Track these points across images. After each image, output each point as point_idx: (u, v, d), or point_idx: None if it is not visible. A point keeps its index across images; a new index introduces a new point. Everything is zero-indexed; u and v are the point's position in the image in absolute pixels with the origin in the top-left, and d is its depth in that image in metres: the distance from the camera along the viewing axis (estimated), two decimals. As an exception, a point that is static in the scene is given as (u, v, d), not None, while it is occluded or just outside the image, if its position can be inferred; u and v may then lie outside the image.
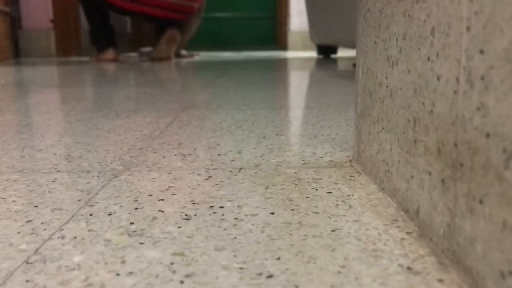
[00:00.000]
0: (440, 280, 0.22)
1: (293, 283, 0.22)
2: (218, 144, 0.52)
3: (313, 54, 2.87)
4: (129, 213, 0.31)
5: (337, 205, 0.32)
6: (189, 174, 0.40)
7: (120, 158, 0.46)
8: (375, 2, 0.35)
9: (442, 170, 0.24)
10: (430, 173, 0.26)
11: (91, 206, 0.33)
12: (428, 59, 0.26)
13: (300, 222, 0.29)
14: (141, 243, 0.27)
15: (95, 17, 2.37)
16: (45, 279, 0.23)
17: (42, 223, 0.30)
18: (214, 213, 0.31)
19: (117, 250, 0.26)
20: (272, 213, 0.31)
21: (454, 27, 0.23)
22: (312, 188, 0.36)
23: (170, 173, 0.41)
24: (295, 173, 0.40)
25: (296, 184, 0.37)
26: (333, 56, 2.56)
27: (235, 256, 0.25)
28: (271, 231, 0.28)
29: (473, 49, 0.21)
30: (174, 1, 2.37)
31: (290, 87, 1.12)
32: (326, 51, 2.51)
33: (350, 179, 0.38)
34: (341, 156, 0.45)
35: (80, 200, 0.34)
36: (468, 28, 0.21)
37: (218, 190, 0.36)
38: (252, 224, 0.29)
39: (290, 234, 0.28)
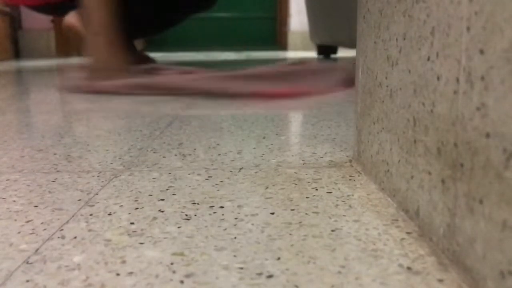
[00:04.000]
0: (440, 280, 0.22)
1: (293, 283, 0.22)
2: (218, 144, 0.52)
3: (313, 54, 2.87)
4: (129, 213, 0.31)
5: (337, 205, 0.32)
6: (189, 174, 0.40)
7: (120, 158, 0.46)
8: (375, 2, 0.35)
9: (442, 170, 0.24)
10: (430, 173, 0.26)
11: (91, 206, 0.33)
12: (428, 59, 0.26)
13: (300, 222, 0.29)
14: (141, 243, 0.27)
15: None
16: (45, 279, 0.23)
17: (42, 223, 0.30)
18: (214, 213, 0.31)
19: (117, 250, 0.26)
20: (272, 213, 0.31)
21: (454, 27, 0.23)
22: (312, 188, 0.36)
23: (170, 173, 0.41)
24: (295, 173, 0.40)
25: (296, 184, 0.37)
26: (333, 56, 2.56)
27: (235, 256, 0.25)
28: (271, 231, 0.28)
29: (473, 49, 0.21)
30: None
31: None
32: (326, 51, 2.51)
33: (350, 179, 0.38)
34: (341, 156, 0.45)
35: (80, 200, 0.34)
36: (468, 28, 0.21)
37: (218, 190, 0.36)
38: (252, 224, 0.29)
39: (290, 234, 0.28)
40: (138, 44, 2.48)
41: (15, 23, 2.97)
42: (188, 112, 0.74)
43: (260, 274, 0.23)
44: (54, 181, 0.39)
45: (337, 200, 0.33)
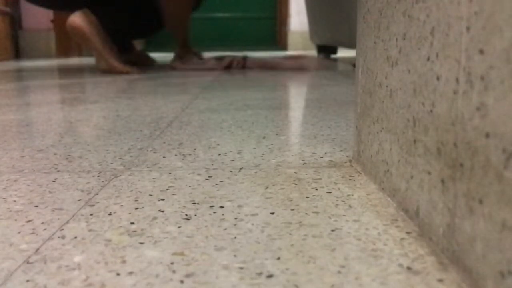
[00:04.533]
0: (440, 280, 0.22)
1: (293, 283, 0.22)
2: (218, 144, 0.52)
3: (313, 54, 2.87)
4: (129, 213, 0.31)
5: (337, 205, 0.32)
6: (189, 174, 0.40)
7: (120, 158, 0.46)
8: (375, 2, 0.35)
9: (441, 170, 0.24)
10: (429, 173, 0.26)
11: (91, 206, 0.33)
12: (428, 59, 0.26)
13: (300, 222, 0.29)
14: (141, 243, 0.27)
15: None
16: (46, 279, 0.23)
17: (42, 223, 0.30)
18: (214, 213, 0.31)
19: (117, 250, 0.26)
20: (272, 213, 0.31)
21: (454, 27, 0.23)
22: (312, 188, 0.36)
23: (170, 173, 0.41)
24: (295, 173, 0.40)
25: (296, 184, 0.37)
26: (333, 56, 2.56)
27: (235, 256, 0.25)
28: (271, 231, 0.28)
29: (473, 49, 0.21)
30: None
31: (290, 87, 1.12)
32: (326, 51, 2.51)
33: (350, 179, 0.38)
34: (341, 156, 0.46)
35: (80, 200, 0.34)
36: (467, 28, 0.21)
37: (218, 190, 0.36)
38: (252, 224, 0.29)
39: (290, 234, 0.28)
40: (138, 44, 2.48)
41: (15, 23, 2.97)
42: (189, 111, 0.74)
43: (260, 274, 0.23)
44: (54, 181, 0.39)
45: (337, 200, 0.33)
